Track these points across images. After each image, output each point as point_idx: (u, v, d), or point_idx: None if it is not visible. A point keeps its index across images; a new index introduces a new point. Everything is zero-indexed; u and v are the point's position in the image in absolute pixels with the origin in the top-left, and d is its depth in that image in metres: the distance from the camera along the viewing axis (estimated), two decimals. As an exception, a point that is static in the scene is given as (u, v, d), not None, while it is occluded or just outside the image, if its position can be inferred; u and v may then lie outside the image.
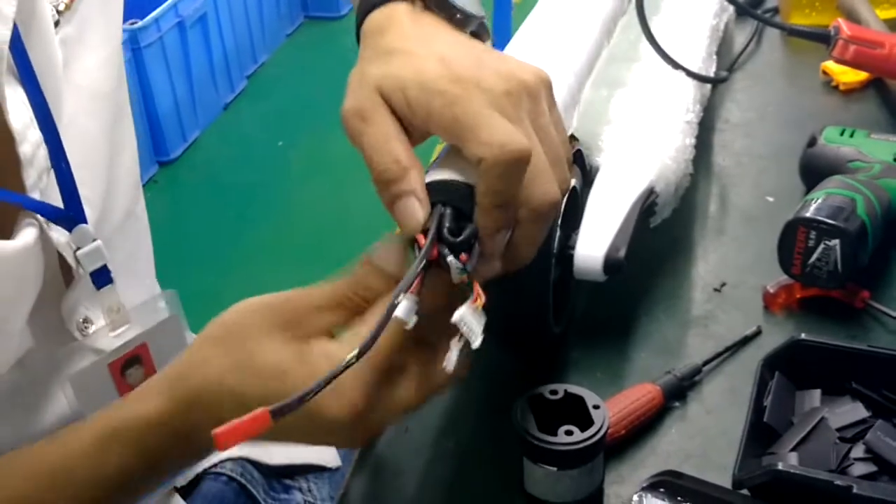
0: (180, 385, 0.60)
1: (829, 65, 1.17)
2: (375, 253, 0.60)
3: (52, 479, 0.63)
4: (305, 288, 0.61)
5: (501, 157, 0.57)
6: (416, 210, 0.59)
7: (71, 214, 0.71)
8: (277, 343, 0.58)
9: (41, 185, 0.69)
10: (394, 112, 0.60)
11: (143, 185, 2.95)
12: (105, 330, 0.76)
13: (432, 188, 0.60)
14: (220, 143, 3.21)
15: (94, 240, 0.73)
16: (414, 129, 0.60)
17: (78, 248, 0.72)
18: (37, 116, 0.68)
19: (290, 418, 0.52)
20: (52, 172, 0.70)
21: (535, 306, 0.80)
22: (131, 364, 0.78)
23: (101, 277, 0.74)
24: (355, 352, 0.53)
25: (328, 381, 0.52)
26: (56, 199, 0.71)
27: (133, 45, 2.83)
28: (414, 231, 0.58)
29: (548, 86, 0.63)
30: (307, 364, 0.57)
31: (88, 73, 0.75)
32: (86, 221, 0.72)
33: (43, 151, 0.69)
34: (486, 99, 0.58)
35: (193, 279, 2.52)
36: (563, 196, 0.63)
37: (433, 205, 0.59)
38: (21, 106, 0.67)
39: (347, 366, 0.53)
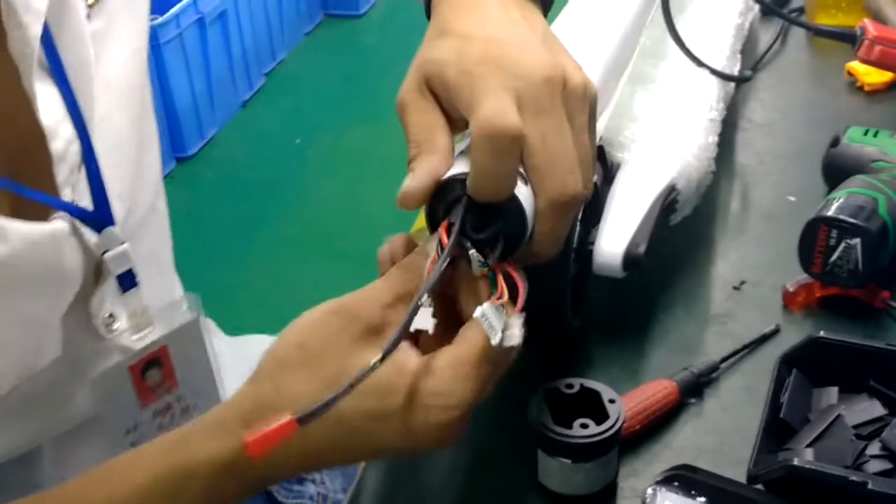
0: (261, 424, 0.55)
1: (854, 65, 1.16)
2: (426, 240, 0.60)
3: None
4: (362, 289, 0.60)
5: (483, 131, 0.57)
6: (408, 195, 0.59)
7: (100, 216, 0.71)
8: (367, 356, 0.55)
9: (72, 180, 0.69)
10: (437, 97, 0.60)
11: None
12: (129, 333, 0.76)
13: (457, 182, 0.59)
14: (238, 140, 3.21)
15: (123, 243, 0.72)
16: (455, 112, 0.60)
17: (105, 251, 0.72)
18: (69, 113, 0.68)
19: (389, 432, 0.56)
20: (83, 168, 0.70)
21: (554, 301, 0.80)
22: (151, 366, 0.78)
23: (127, 280, 0.74)
24: (380, 356, 0.53)
25: (353, 386, 0.52)
26: (85, 195, 0.70)
27: (152, 41, 2.84)
28: (406, 207, 0.59)
29: (594, 95, 0.63)
30: (405, 376, 0.56)
31: (117, 67, 0.75)
32: (114, 223, 0.72)
33: (75, 147, 0.69)
34: (512, 82, 0.58)
35: (210, 275, 2.53)
36: (584, 198, 0.62)
37: (458, 199, 0.59)
38: (53, 102, 0.67)
39: (372, 369, 0.53)
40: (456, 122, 0.61)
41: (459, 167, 0.60)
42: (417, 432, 0.57)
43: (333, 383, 0.54)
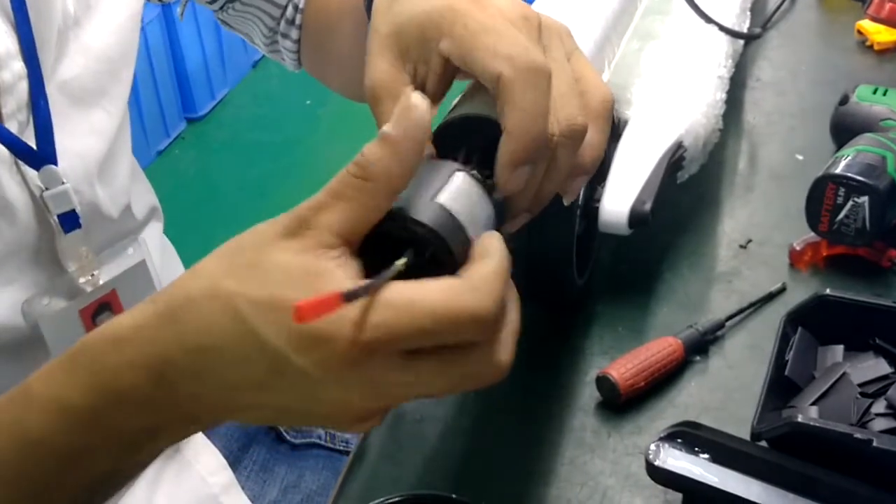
0: (164, 297, 0.51)
1: (864, 24, 1.15)
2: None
3: None
4: None
5: (520, 68, 0.53)
6: None
7: (41, 154, 0.71)
8: (281, 252, 0.48)
9: (20, 117, 0.70)
10: (409, 60, 0.58)
11: (171, 142, 2.94)
12: (75, 275, 0.75)
13: (460, 122, 0.58)
14: (249, 100, 3.20)
15: (63, 182, 0.72)
16: (432, 65, 0.58)
17: (46, 189, 0.71)
18: (22, 50, 0.69)
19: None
20: (31, 109, 0.70)
21: (560, 259, 0.80)
22: (102, 311, 0.77)
23: (69, 222, 0.73)
24: (403, 260, 0.47)
25: (387, 279, 0.46)
26: (32, 136, 0.71)
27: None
28: None
29: (569, 33, 0.60)
30: (312, 277, 0.47)
31: (98, 36, 0.76)
32: (56, 164, 0.71)
33: (24, 85, 0.69)
34: (501, 15, 0.56)
35: (220, 236, 2.53)
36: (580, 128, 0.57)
37: (462, 139, 0.56)
38: (5, 36, 0.68)
39: (397, 272, 0.47)
40: (426, 80, 0.59)
41: (460, 111, 0.58)
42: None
43: (237, 272, 0.49)
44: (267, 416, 0.53)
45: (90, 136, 0.76)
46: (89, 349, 0.52)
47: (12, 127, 0.69)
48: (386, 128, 0.48)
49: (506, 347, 0.48)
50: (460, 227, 0.50)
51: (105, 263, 0.78)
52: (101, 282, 0.77)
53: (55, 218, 0.72)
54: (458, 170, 0.52)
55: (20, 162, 0.70)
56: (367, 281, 0.46)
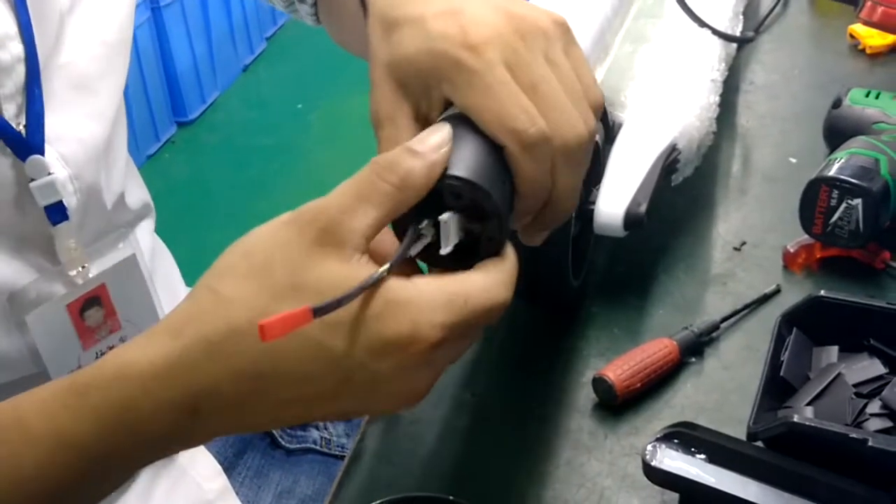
0: (193, 329, 0.50)
1: (857, 28, 1.16)
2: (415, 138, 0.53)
3: None
4: (325, 196, 0.53)
5: (524, 144, 0.54)
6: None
7: (30, 143, 0.70)
8: (323, 264, 0.49)
9: (18, 100, 0.69)
10: (410, 94, 0.58)
11: (161, 146, 2.93)
12: (64, 268, 0.74)
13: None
14: (239, 104, 3.20)
15: (50, 173, 0.71)
16: (433, 102, 0.58)
17: (32, 180, 0.70)
18: (21, 34, 0.69)
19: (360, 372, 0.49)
20: (26, 94, 0.70)
21: (555, 261, 0.80)
22: (90, 305, 0.76)
23: (56, 214, 0.72)
24: (386, 266, 0.49)
25: (364, 289, 0.48)
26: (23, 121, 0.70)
27: (153, 4, 2.82)
28: None
29: (564, 27, 0.60)
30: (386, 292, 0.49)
31: (94, 20, 0.76)
32: (43, 154, 0.71)
33: (21, 69, 0.69)
34: (497, 55, 0.55)
35: (210, 241, 2.53)
36: (590, 137, 0.59)
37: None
38: (5, 16, 0.68)
39: (379, 278, 0.49)
40: (428, 113, 0.59)
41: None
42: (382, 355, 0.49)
43: (283, 294, 0.49)
44: (308, 417, 0.54)
45: (91, 121, 0.76)
46: (100, 385, 0.51)
47: (9, 109, 0.69)
48: (415, 143, 0.52)
49: None
50: (497, 179, 0.54)
51: (95, 257, 0.77)
52: (90, 275, 0.76)
53: (42, 209, 0.72)
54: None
55: (8, 149, 0.69)
56: (339, 296, 0.48)
